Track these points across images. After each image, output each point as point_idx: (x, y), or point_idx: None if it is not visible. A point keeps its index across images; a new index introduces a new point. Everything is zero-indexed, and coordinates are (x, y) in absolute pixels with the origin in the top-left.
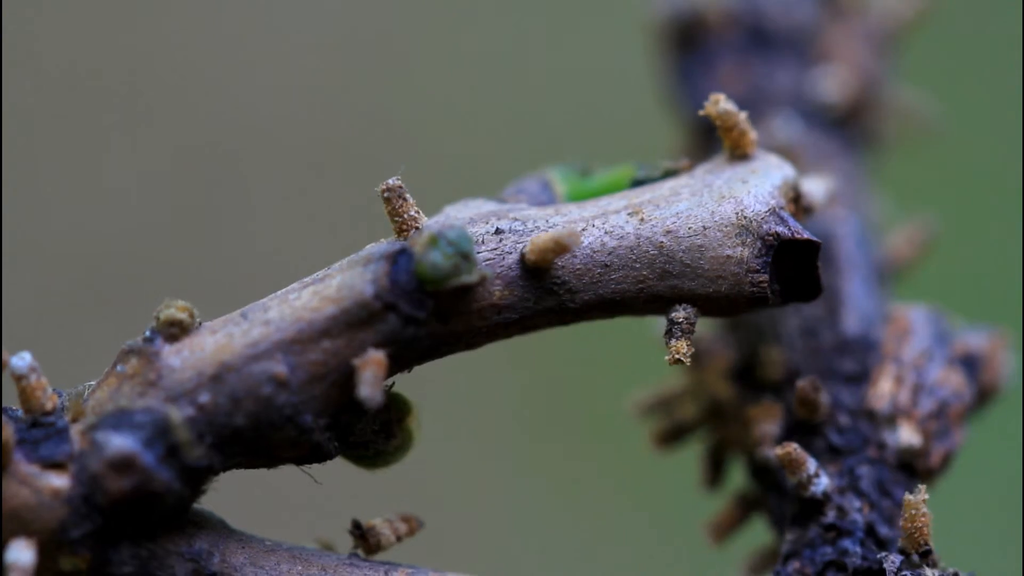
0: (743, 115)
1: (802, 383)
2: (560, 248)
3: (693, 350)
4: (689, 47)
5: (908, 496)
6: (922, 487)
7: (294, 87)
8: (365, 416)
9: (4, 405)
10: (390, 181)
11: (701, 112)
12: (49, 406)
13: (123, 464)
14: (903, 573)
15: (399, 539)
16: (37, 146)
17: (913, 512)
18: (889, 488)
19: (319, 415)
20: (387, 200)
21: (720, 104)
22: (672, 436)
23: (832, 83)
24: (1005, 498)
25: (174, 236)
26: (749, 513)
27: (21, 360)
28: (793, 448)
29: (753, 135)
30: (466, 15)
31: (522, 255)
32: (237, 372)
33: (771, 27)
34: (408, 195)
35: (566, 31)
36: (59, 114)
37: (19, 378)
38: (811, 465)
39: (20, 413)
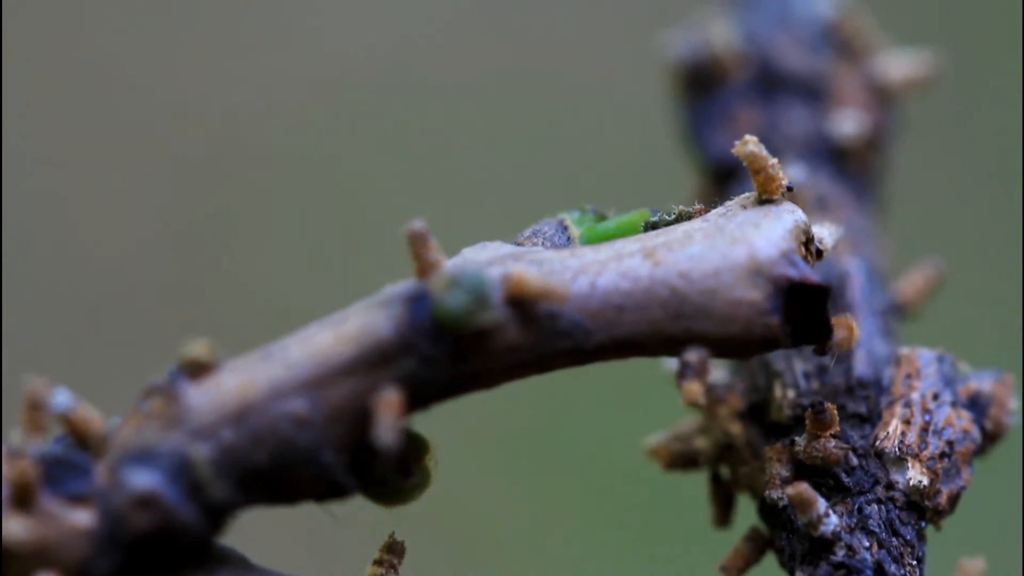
0: (773, 160)
1: (833, 448)
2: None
3: (706, 390)
4: (704, 89)
5: (965, 561)
6: (979, 559)
7: (319, 119)
8: (383, 455)
9: (47, 437)
10: (415, 224)
11: (732, 150)
12: (99, 434)
13: (146, 501)
14: None
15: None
16: (53, 170)
17: None
18: (897, 527)
19: (339, 453)
20: (411, 243)
21: (749, 146)
22: (682, 462)
23: (850, 120)
24: (1006, 540)
25: (193, 271)
26: (763, 551)
27: (62, 397)
28: (804, 488)
29: (782, 180)
30: (485, 54)
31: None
32: (259, 411)
33: (785, 71)
34: (432, 238)
35: (581, 74)
36: (75, 134)
37: (67, 416)
38: (821, 505)
39: (51, 447)
